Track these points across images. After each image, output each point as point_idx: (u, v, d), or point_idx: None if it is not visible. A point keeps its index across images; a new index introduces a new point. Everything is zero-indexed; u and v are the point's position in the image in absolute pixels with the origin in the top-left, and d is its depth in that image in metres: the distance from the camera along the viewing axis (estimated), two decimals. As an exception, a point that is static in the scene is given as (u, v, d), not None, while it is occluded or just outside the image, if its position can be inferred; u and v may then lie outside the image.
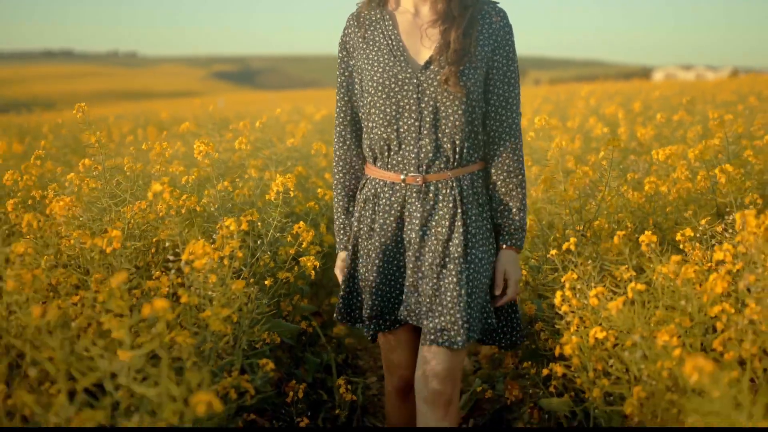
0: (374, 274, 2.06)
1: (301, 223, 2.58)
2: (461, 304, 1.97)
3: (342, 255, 2.20)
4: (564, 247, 2.11)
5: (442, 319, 1.98)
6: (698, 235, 2.20)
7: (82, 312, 1.67)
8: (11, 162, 4.55)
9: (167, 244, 2.37)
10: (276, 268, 2.67)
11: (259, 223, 2.45)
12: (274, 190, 2.35)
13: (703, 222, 2.27)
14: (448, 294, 1.98)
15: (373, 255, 2.06)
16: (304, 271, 2.60)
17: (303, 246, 2.60)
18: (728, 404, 1.06)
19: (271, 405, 2.77)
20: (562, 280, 1.94)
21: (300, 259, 2.58)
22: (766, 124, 5.10)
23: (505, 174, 2.06)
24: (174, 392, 1.26)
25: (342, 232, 2.19)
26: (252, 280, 2.34)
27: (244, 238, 2.44)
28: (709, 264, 1.89)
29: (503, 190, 2.06)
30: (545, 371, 2.15)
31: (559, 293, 1.92)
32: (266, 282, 2.49)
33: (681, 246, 2.13)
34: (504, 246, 2.08)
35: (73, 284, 1.97)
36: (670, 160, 2.98)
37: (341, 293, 2.17)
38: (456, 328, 1.97)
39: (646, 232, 2.13)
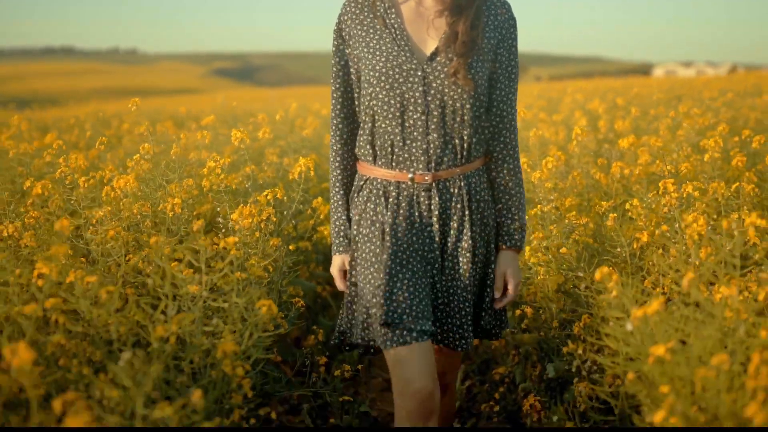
0: (386, 278, 1.90)
1: (319, 198, 3.08)
2: (468, 309, 1.96)
3: (339, 258, 2.06)
4: (532, 212, 2.62)
5: (451, 322, 1.96)
6: (644, 204, 2.70)
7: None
8: (48, 151, 5.04)
9: (206, 214, 2.87)
10: (297, 238, 3.18)
11: (285, 198, 2.95)
12: (297, 170, 2.85)
13: (651, 195, 2.77)
14: (458, 299, 1.96)
15: (384, 257, 1.91)
16: (320, 243, 3.11)
17: (320, 218, 3.11)
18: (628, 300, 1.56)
19: (291, 356, 3.27)
20: (531, 238, 2.45)
21: (318, 228, 3.09)
22: (729, 118, 5.59)
23: (505, 172, 2.01)
24: (240, 302, 1.77)
25: (341, 234, 2.05)
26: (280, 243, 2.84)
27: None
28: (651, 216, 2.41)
29: (503, 188, 2.01)
30: (518, 312, 2.66)
31: (528, 248, 2.43)
32: (290, 247, 2.99)
33: (629, 214, 2.64)
34: (504, 246, 2.01)
35: (139, 240, 2.48)
36: (633, 147, 3.49)
37: (347, 302, 2.03)
38: (461, 332, 1.96)
39: (602, 203, 2.65)
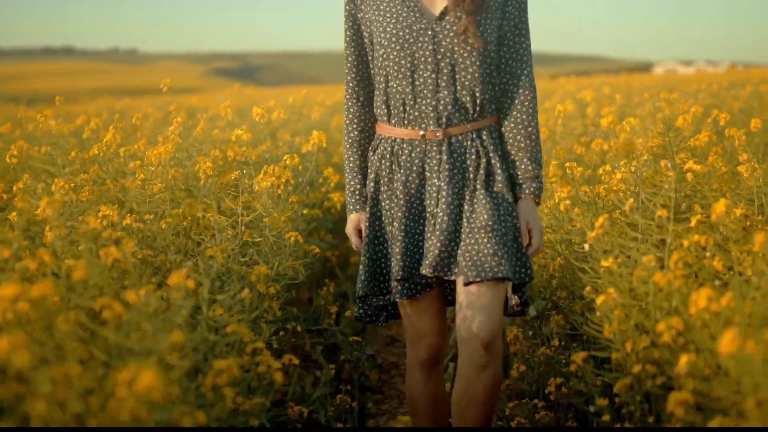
0: (402, 234, 1.98)
1: (330, 168, 3.47)
2: (497, 237, 1.94)
3: (354, 216, 2.12)
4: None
5: (479, 254, 1.93)
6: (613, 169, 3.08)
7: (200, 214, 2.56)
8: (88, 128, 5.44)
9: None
10: (309, 205, 3.56)
11: (300, 167, 3.33)
12: (311, 142, 3.23)
13: (622, 163, 3.15)
14: (482, 231, 1.94)
15: (399, 215, 1.99)
16: (329, 211, 3.48)
17: (331, 186, 3.50)
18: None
19: (304, 312, 3.66)
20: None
21: (329, 195, 3.48)
22: (708, 104, 5.97)
23: (513, 125, 2.02)
24: (271, 235, 2.15)
25: (357, 193, 2.11)
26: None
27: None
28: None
29: (512, 141, 2.02)
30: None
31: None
32: (304, 211, 3.38)
33: (602, 178, 3.01)
34: (522, 195, 2.03)
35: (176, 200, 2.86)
36: (611, 125, 3.87)
37: (364, 259, 2.07)
38: (497, 259, 1.92)
39: (578, 168, 3.03)
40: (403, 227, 1.98)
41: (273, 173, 2.63)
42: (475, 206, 1.96)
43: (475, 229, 1.95)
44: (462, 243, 1.94)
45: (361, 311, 2.11)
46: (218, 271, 1.96)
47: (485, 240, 1.94)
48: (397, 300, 2.00)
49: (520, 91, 2.01)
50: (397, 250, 1.98)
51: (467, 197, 1.97)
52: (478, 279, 1.91)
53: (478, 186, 1.97)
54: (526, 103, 2.02)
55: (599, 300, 1.62)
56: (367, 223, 2.06)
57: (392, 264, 1.99)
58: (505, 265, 1.92)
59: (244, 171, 2.73)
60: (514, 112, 2.02)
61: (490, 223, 1.94)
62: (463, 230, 1.95)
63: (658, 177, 2.02)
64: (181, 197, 2.82)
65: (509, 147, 2.02)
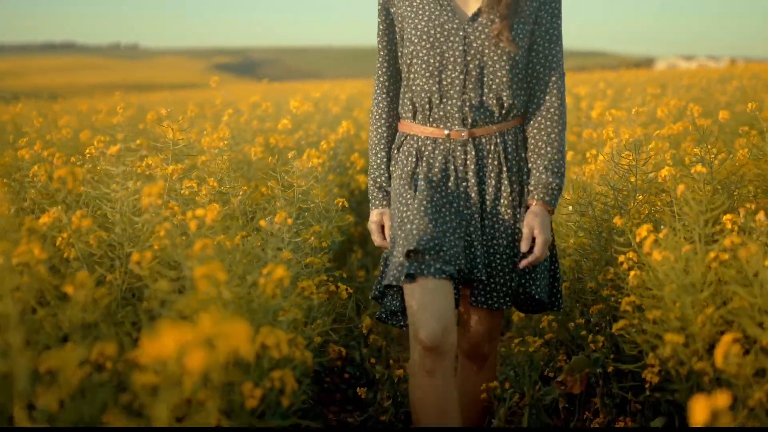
0: (418, 223, 1.89)
1: (356, 153, 4.04)
2: (510, 266, 1.96)
3: (377, 212, 2.08)
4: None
5: (493, 281, 1.96)
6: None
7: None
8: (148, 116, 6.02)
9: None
10: (339, 185, 4.13)
11: (331, 152, 3.90)
12: (341, 129, 3.79)
13: (606, 147, 3.71)
14: (500, 257, 1.96)
15: (418, 205, 1.92)
16: (354, 192, 4.04)
17: (357, 169, 4.06)
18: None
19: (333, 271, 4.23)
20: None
21: (355, 176, 4.04)
22: (692, 98, 6.52)
23: (535, 131, 1.99)
24: (320, 202, 2.72)
25: (381, 187, 2.08)
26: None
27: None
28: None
29: (533, 146, 1.99)
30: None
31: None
32: (335, 190, 3.94)
33: (588, 160, 3.57)
34: (532, 201, 1.98)
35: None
36: (599, 117, 4.44)
37: (386, 254, 2.02)
38: (505, 290, 1.96)
39: (569, 152, 3.59)
40: (420, 216, 1.90)
41: (316, 155, 3.19)
42: (497, 223, 1.96)
43: (493, 252, 1.96)
44: (480, 261, 1.95)
45: (382, 312, 2.02)
46: (280, 229, 2.52)
47: (500, 268, 1.96)
48: (406, 278, 1.85)
49: (546, 98, 1.99)
50: (413, 227, 1.88)
51: (489, 206, 1.96)
52: (485, 306, 1.97)
53: (502, 195, 1.97)
54: (552, 110, 1.99)
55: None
56: (387, 222, 2.05)
57: (405, 241, 1.88)
58: (509, 296, 1.97)
59: (291, 154, 3.28)
60: (539, 118, 1.99)
61: (507, 251, 1.96)
62: (484, 245, 1.97)
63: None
64: (234, 177, 3.39)
65: (533, 154, 1.99)
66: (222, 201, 2.63)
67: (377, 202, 2.08)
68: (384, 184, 2.08)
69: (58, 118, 5.24)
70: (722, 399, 0.97)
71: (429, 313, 1.84)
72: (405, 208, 1.94)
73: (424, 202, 1.91)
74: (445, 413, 1.88)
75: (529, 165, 2.00)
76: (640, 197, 2.18)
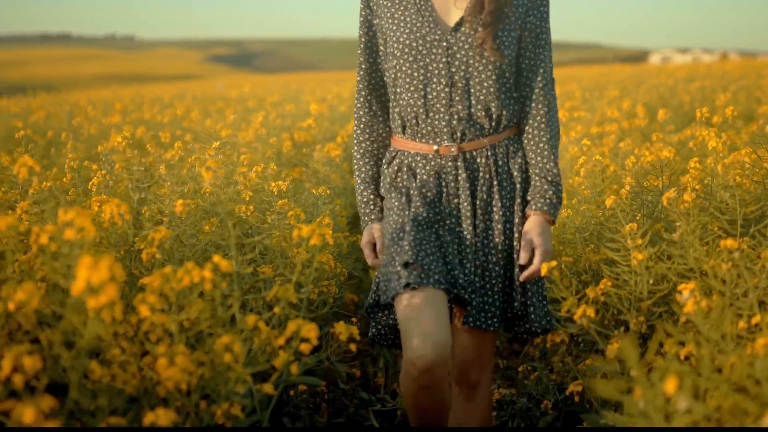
0: (409, 240, 1.83)
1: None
2: (500, 285, 1.90)
3: (368, 231, 1.99)
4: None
5: (482, 300, 1.89)
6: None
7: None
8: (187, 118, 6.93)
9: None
10: (350, 172, 5.05)
11: (344, 144, 4.80)
12: (348, 128, 4.70)
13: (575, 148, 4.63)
14: (490, 275, 1.89)
15: (411, 222, 1.86)
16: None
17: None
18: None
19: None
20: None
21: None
22: (662, 94, 7.47)
23: (527, 140, 1.94)
24: (339, 182, 3.65)
25: (371, 203, 2.01)
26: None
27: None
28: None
29: (534, 160, 1.94)
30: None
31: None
32: (347, 176, 4.86)
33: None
34: (529, 212, 1.92)
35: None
36: (567, 113, 5.36)
37: (378, 272, 1.92)
38: (493, 309, 1.89)
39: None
40: (412, 234, 1.84)
41: (334, 147, 4.11)
42: (487, 238, 1.91)
43: (486, 271, 1.89)
44: (471, 279, 1.88)
45: (374, 330, 1.97)
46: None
47: (489, 286, 1.89)
48: (404, 288, 1.78)
49: (538, 105, 1.94)
50: (409, 240, 1.83)
51: (480, 223, 1.90)
52: (474, 326, 1.88)
53: (493, 211, 1.91)
54: (539, 118, 1.93)
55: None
56: (380, 239, 1.95)
57: (401, 252, 1.83)
58: (498, 316, 1.90)
59: (317, 147, 4.20)
60: (528, 128, 1.94)
61: (497, 269, 1.89)
62: (475, 261, 1.89)
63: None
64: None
65: (530, 165, 1.95)
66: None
67: (367, 219, 2.02)
68: (372, 199, 2.01)
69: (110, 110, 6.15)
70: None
71: (422, 334, 1.74)
72: (398, 225, 1.88)
73: (419, 218, 1.87)
74: (443, 413, 1.87)
75: (531, 175, 1.95)
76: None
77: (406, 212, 1.89)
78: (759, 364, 0.99)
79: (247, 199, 2.51)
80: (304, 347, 1.42)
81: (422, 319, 1.76)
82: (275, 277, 2.02)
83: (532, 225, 1.90)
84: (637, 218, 2.34)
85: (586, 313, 1.62)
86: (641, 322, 1.79)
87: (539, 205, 1.92)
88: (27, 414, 0.96)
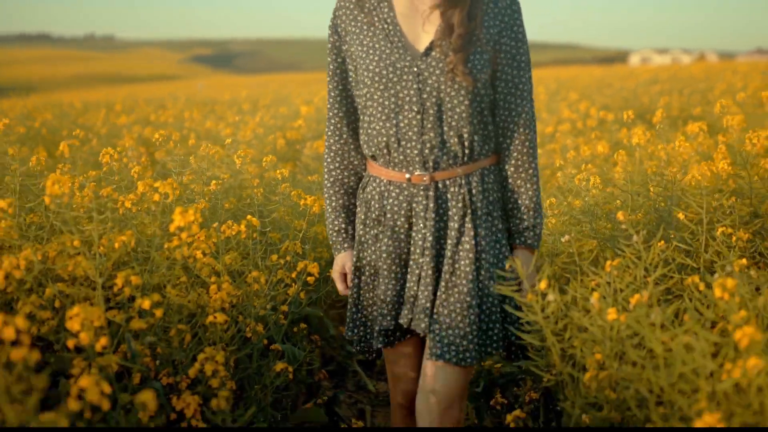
0: (385, 282, 1.88)
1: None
2: (472, 317, 1.82)
3: (340, 259, 2.00)
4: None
5: (451, 332, 1.82)
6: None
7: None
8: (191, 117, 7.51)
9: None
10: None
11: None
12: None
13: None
14: (458, 305, 1.82)
15: (384, 258, 1.88)
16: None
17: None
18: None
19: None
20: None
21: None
22: (625, 97, 8.15)
23: (512, 169, 1.89)
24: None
25: (343, 232, 2.00)
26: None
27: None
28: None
29: (511, 186, 1.89)
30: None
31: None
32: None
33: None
34: (516, 246, 1.91)
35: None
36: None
37: (351, 306, 1.98)
38: (465, 343, 1.82)
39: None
40: (386, 275, 1.88)
41: (322, 144, 4.72)
42: (456, 269, 1.84)
43: (452, 302, 1.83)
44: (436, 311, 1.83)
45: (355, 343, 2.01)
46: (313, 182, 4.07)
47: (459, 318, 1.82)
48: (378, 347, 1.92)
49: (521, 130, 1.88)
50: (381, 299, 1.88)
51: (449, 252, 1.85)
52: (441, 360, 1.82)
53: (464, 240, 1.85)
54: (527, 144, 1.89)
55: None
56: (353, 267, 1.96)
57: (375, 312, 1.90)
58: (472, 351, 1.82)
59: (305, 144, 4.82)
60: (514, 154, 1.88)
61: (468, 299, 1.82)
62: (440, 293, 1.84)
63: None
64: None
65: (508, 192, 1.90)
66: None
67: (339, 248, 2.00)
68: (344, 227, 2.00)
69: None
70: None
71: (400, 376, 1.98)
72: (365, 262, 1.91)
73: (391, 268, 1.88)
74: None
75: (510, 205, 1.90)
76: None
77: (374, 253, 1.90)
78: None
79: (255, 183, 3.13)
80: (310, 279, 2.05)
81: (396, 371, 1.97)
82: (281, 241, 2.65)
83: (521, 261, 1.88)
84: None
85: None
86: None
87: (524, 238, 1.90)
88: (145, 303, 1.58)
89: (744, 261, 1.71)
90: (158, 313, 1.57)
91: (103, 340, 1.41)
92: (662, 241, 1.76)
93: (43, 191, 2.24)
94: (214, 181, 2.48)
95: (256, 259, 2.10)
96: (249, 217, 2.02)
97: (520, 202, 1.89)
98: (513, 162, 1.88)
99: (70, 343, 1.44)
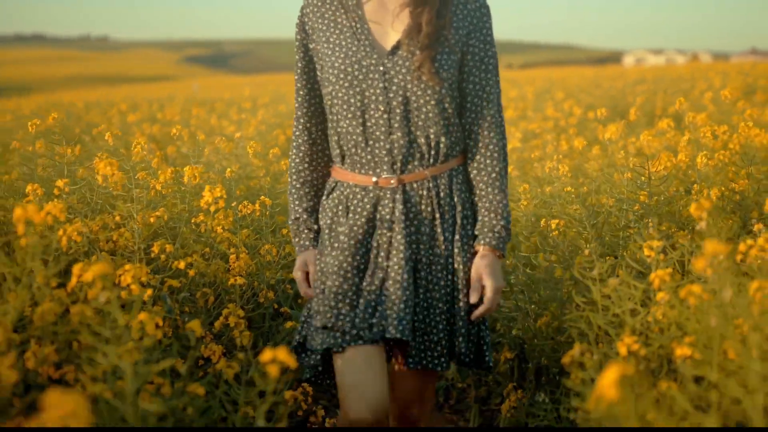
0: (332, 279, 1.80)
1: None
2: (443, 323, 1.82)
3: (301, 258, 1.92)
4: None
5: (427, 338, 1.83)
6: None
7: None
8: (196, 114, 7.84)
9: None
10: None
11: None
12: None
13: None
14: (433, 311, 1.82)
15: (336, 255, 1.82)
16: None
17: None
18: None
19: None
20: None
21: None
22: (613, 96, 8.49)
23: (475, 171, 1.87)
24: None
25: (305, 229, 1.93)
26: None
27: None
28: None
29: (474, 188, 1.87)
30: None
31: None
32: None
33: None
34: (480, 246, 1.85)
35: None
36: (513, 112, 6.37)
37: (307, 309, 1.89)
38: (439, 349, 1.82)
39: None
40: (337, 273, 1.81)
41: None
42: (431, 274, 1.84)
43: (427, 307, 1.83)
44: (416, 318, 1.82)
45: (308, 374, 1.91)
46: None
47: (432, 324, 1.83)
48: (340, 347, 1.79)
49: (486, 132, 1.86)
50: (341, 299, 1.80)
51: (423, 256, 1.83)
52: (419, 366, 1.83)
53: (436, 244, 1.84)
54: (491, 146, 1.86)
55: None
56: (317, 273, 1.87)
57: (329, 311, 1.80)
58: (446, 358, 1.84)
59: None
60: (478, 156, 1.87)
61: (440, 305, 1.83)
62: (419, 300, 1.83)
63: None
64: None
65: (477, 197, 1.88)
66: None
67: (305, 244, 1.94)
68: (305, 225, 1.94)
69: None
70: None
71: (357, 394, 1.77)
72: (324, 266, 1.84)
73: (344, 264, 1.81)
74: None
75: (479, 207, 1.88)
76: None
77: (334, 258, 1.82)
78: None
79: (262, 174, 3.47)
80: (315, 251, 2.41)
81: (355, 389, 1.76)
82: (286, 223, 2.99)
83: (482, 262, 1.83)
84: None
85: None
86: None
87: (488, 239, 1.85)
88: (181, 264, 1.93)
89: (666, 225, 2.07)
90: (191, 272, 1.91)
91: (149, 291, 1.74)
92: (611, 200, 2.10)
93: (79, 179, 2.58)
94: (228, 169, 2.83)
95: (267, 235, 2.45)
96: (262, 197, 2.37)
97: (480, 204, 1.87)
98: (476, 165, 1.87)
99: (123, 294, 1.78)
